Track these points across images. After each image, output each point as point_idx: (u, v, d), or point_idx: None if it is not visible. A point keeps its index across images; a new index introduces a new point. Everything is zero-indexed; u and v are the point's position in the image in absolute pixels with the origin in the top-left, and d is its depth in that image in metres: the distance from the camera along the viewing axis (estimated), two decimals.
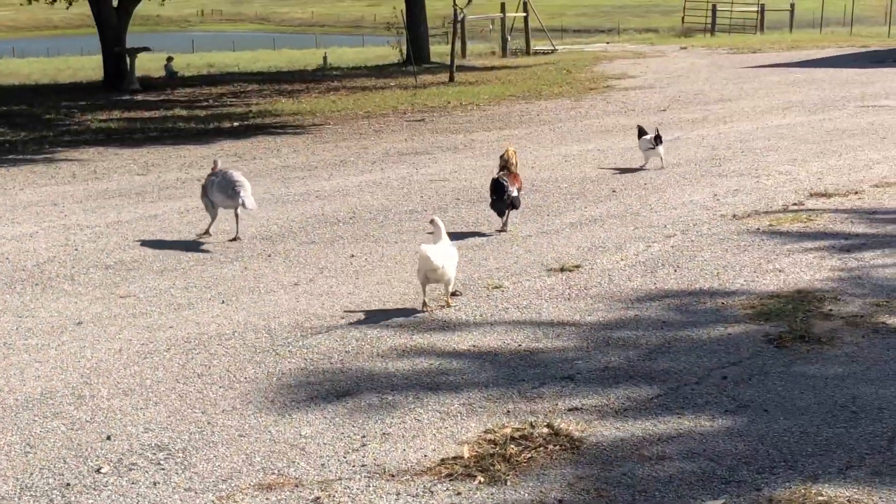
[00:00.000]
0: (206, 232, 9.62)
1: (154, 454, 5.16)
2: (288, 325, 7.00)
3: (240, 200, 9.24)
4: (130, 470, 4.99)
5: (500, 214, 9.50)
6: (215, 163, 9.79)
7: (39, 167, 14.26)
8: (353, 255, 8.83)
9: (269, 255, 8.93)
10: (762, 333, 6.55)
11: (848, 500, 4.38)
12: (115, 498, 4.70)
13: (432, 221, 7.46)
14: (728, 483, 4.64)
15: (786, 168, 12.17)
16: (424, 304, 7.24)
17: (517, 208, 9.55)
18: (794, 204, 10.21)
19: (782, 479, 4.63)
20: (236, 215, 9.48)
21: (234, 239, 9.44)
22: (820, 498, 4.41)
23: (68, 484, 4.85)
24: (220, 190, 9.34)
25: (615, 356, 6.28)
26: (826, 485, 4.56)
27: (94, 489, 4.80)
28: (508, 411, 5.55)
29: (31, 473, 4.98)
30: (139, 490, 4.78)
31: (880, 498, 4.42)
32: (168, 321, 7.20)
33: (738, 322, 6.79)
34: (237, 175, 9.47)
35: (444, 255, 7.05)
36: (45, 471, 5.01)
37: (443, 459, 5.01)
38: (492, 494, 4.64)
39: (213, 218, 9.60)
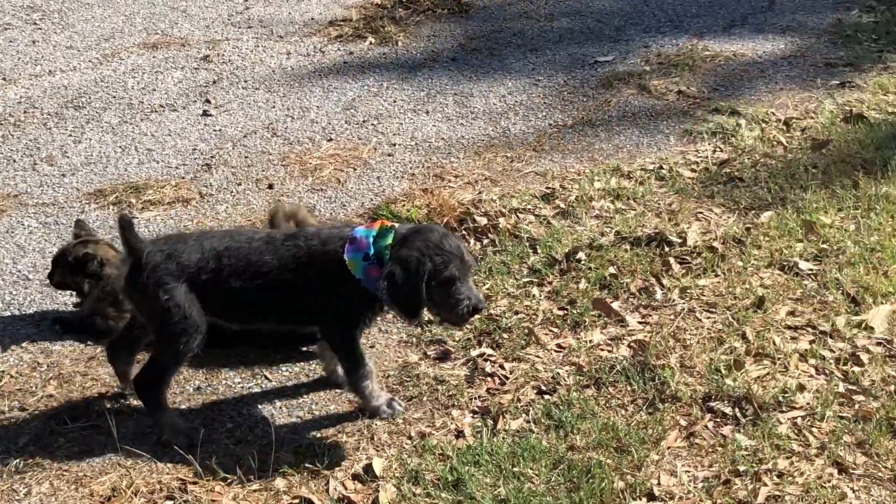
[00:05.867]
0: None
1: (28, 15, 4.93)
2: None
3: None
4: (6, 29, 4.77)
5: None
6: None
7: None
8: None
9: None
10: None
11: (733, 54, 4.48)
12: None
13: None
14: (616, 41, 4.69)
15: None
16: None
17: None
18: None
19: (669, 38, 4.70)
20: None
21: None
22: (706, 52, 4.50)
23: None
24: None
25: None
26: (712, 41, 4.65)
27: None
28: None
29: None
30: (18, 48, 4.58)
31: (764, 52, 4.53)
32: None
33: None
34: None
35: None
36: None
37: (331, 21, 4.93)
38: (384, 54, 4.61)
39: None
